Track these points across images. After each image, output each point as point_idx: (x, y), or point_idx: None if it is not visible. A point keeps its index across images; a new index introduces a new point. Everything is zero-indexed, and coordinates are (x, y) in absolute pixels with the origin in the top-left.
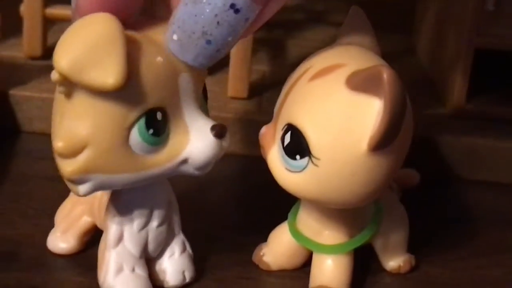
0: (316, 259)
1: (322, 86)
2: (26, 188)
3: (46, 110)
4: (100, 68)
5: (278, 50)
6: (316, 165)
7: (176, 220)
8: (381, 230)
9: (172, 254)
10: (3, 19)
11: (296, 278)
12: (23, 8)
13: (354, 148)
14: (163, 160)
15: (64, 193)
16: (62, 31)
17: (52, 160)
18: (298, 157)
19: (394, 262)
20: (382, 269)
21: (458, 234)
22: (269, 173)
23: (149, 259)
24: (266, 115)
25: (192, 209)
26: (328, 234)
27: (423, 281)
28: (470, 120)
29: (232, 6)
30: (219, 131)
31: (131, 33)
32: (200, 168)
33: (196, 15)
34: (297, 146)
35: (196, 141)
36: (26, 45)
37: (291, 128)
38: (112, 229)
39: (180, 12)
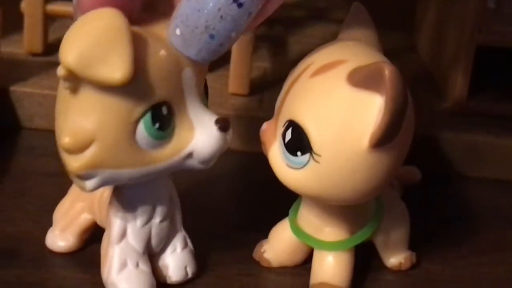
0: (317, 255)
1: (323, 82)
2: (27, 184)
3: (47, 106)
4: (107, 63)
5: (279, 47)
6: (317, 161)
7: (178, 216)
8: (382, 227)
9: (174, 250)
10: (4, 16)
11: (297, 274)
12: (24, 5)
13: (355, 144)
14: (168, 154)
15: (64, 189)
16: (63, 27)
17: (53, 156)
18: (299, 153)
19: (395, 259)
20: (383, 266)
21: (459, 231)
22: (270, 169)
23: (151, 255)
24: (267, 111)
25: (193, 206)
26: (329, 231)
27: (423, 278)
28: (471, 117)
29: (235, 0)
30: (223, 125)
31: (135, 28)
32: (205, 161)
33: (199, 10)
34: (298, 142)
35: (201, 135)
36: (27, 42)
37: (292, 124)
38: (115, 225)
39: (183, 7)
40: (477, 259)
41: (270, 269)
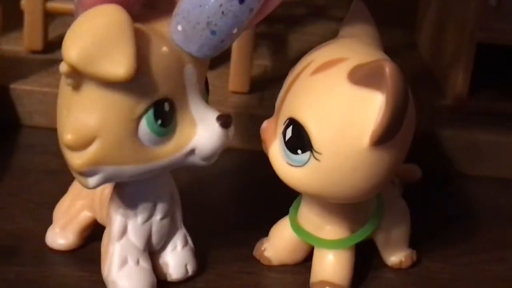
0: (317, 254)
1: (324, 80)
2: (27, 182)
3: (47, 104)
4: (110, 59)
5: (279, 45)
6: (317, 159)
7: (178, 213)
8: (382, 225)
9: (174, 248)
10: (4, 13)
11: (297, 273)
12: (24, 2)
13: (356, 142)
14: (171, 150)
15: (64, 187)
16: (63, 25)
17: (53, 154)
18: (299, 151)
19: (396, 257)
20: (383, 264)
21: (459, 229)
22: (271, 167)
23: (151, 252)
24: (267, 109)
25: (193, 204)
26: (329, 229)
27: (424, 276)
28: (471, 115)
29: None
30: (225, 121)
31: (137, 25)
32: (207, 158)
33: (200, 6)
34: (299, 140)
35: (202, 131)
36: (27, 39)
37: (292, 122)
38: (116, 222)
39: (185, 3)
40: (478, 257)
41: (271, 267)
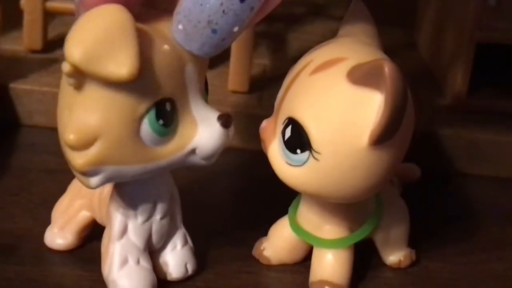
0: (317, 253)
1: (323, 80)
2: (26, 181)
3: (47, 103)
4: (113, 59)
5: (279, 44)
6: (316, 159)
7: (178, 213)
8: (381, 224)
9: (174, 247)
10: (4, 12)
11: (297, 272)
12: (23, 1)
13: (355, 142)
14: (172, 150)
15: (64, 186)
16: (62, 24)
17: (52, 153)
18: (298, 151)
19: (395, 256)
20: (382, 264)
21: (459, 229)
22: (270, 167)
23: (151, 252)
24: (266, 109)
25: (192, 203)
26: (328, 229)
27: (423, 276)
28: (471, 114)
29: None
30: (225, 121)
31: (138, 24)
32: (207, 157)
33: (201, 4)
34: (298, 140)
35: (203, 131)
36: (26, 39)
37: (292, 122)
38: (116, 221)
39: (186, 2)
40: (477, 257)
41: (270, 267)
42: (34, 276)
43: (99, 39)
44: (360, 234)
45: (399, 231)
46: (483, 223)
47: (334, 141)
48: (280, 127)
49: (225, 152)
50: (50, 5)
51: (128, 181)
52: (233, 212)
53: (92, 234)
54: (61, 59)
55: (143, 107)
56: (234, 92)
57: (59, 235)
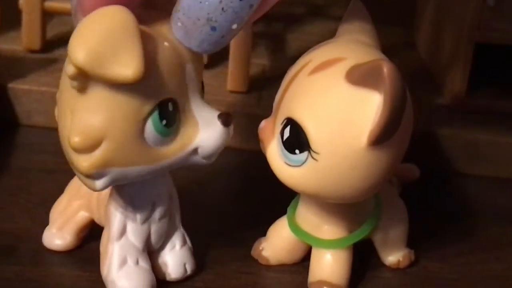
0: (315, 253)
1: (322, 80)
2: (25, 181)
3: (45, 103)
4: (118, 60)
5: (277, 44)
6: (315, 159)
7: (177, 213)
8: (380, 225)
9: (173, 247)
10: (2, 12)
11: (295, 272)
12: (22, 1)
13: (354, 142)
14: (174, 150)
15: (63, 186)
16: (61, 24)
17: (51, 153)
18: (297, 151)
19: (394, 257)
20: (381, 264)
21: (458, 229)
22: (268, 167)
23: (150, 252)
24: (265, 109)
25: (191, 204)
26: (327, 229)
27: (422, 276)
28: (469, 114)
29: None
30: (226, 119)
31: (140, 26)
32: (208, 156)
33: (201, 2)
34: (297, 140)
35: (205, 130)
36: (25, 38)
37: (290, 122)
38: (115, 222)
39: None
40: (476, 257)
41: (269, 267)
42: (33, 276)
43: (104, 40)
44: (359, 235)
45: (398, 231)
46: (482, 223)
47: (333, 142)
48: (278, 127)
49: (223, 152)
50: (48, 5)
51: (140, 179)
52: (232, 212)
53: (91, 234)
54: (60, 59)
55: (147, 108)
56: (233, 92)
57: (58, 235)
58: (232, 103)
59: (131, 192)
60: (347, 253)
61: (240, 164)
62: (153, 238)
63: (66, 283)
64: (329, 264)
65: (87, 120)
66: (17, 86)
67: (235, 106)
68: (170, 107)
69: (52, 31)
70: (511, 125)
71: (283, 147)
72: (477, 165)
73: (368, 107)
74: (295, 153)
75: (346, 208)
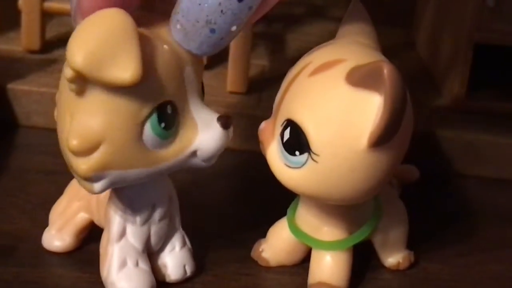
0: (315, 255)
1: (322, 81)
2: (24, 182)
3: (45, 104)
4: (117, 63)
5: (277, 45)
6: (315, 161)
7: (177, 215)
8: (380, 226)
9: (172, 249)
10: (1, 13)
11: (295, 274)
12: (21, 2)
13: (354, 144)
14: (174, 153)
15: (62, 187)
16: (60, 25)
17: (50, 154)
18: (297, 153)
19: (393, 258)
20: (381, 266)
21: (458, 230)
22: (268, 168)
23: (150, 254)
24: (265, 110)
25: (191, 205)
26: (327, 230)
27: (422, 278)
28: (469, 115)
29: None
30: (225, 122)
31: (138, 28)
32: (208, 159)
33: (200, 4)
34: (297, 142)
35: (204, 132)
36: (24, 39)
37: (290, 123)
38: (115, 223)
39: (184, 2)
40: (476, 258)
41: (268, 268)
42: (33, 277)
43: (102, 43)
44: (359, 236)
45: (398, 233)
46: (482, 224)
47: (333, 143)
48: (278, 129)
49: (223, 153)
50: (48, 5)
51: (139, 182)
52: (232, 214)
53: (90, 236)
54: (59, 59)
55: (145, 110)
56: (232, 93)
57: (57, 237)
58: (232, 104)
59: (130, 194)
60: (347, 255)
61: (240, 166)
62: (153, 239)
63: (65, 284)
64: (328, 265)
65: (86, 123)
66: (16, 87)
67: (235, 107)
68: (169, 110)
69: (52, 31)
70: (511, 126)
71: (283, 149)
72: (477, 166)
73: (368, 109)
74: (295, 155)
75: (346, 210)
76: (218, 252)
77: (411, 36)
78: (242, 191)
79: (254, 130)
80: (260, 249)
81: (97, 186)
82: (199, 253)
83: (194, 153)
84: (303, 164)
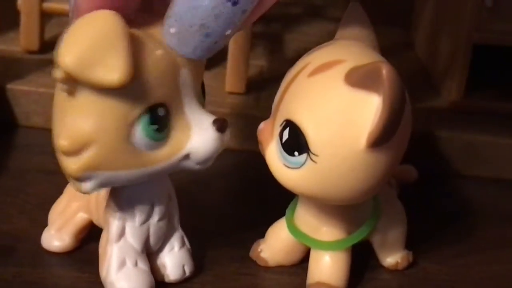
0: (314, 255)
1: (321, 82)
2: (24, 182)
3: (44, 104)
4: (105, 65)
5: (276, 45)
6: (314, 161)
7: (176, 215)
8: (379, 226)
9: (171, 249)
10: (0, 13)
11: (294, 274)
12: (20, 2)
13: (353, 144)
14: (165, 155)
15: (61, 188)
16: (59, 25)
17: (50, 154)
18: (296, 153)
19: (392, 258)
20: (379, 266)
21: (456, 230)
22: (267, 168)
23: (149, 254)
24: (264, 110)
25: (190, 205)
26: (326, 231)
27: (420, 278)
28: (468, 115)
29: None
30: (220, 125)
31: (132, 30)
32: (202, 162)
33: (193, 8)
34: (296, 142)
35: (197, 135)
36: (23, 39)
37: (289, 124)
38: (114, 224)
39: (178, 5)
40: (475, 258)
41: (267, 268)
42: (32, 277)
43: (91, 45)
44: (358, 236)
45: (397, 233)
46: (480, 224)
47: (332, 143)
48: (277, 129)
49: (222, 153)
50: (47, 6)
51: (129, 184)
52: (231, 214)
53: (90, 236)
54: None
55: (135, 112)
56: (231, 93)
57: (56, 237)
58: (230, 104)
59: (129, 194)
60: (345, 255)
61: (239, 166)
62: (152, 239)
63: (64, 284)
64: (327, 265)
65: (76, 123)
66: (15, 87)
67: (233, 107)
68: (161, 112)
69: (51, 32)
70: (510, 126)
71: (282, 149)
72: (476, 166)
73: (367, 109)
74: (294, 155)
75: (345, 210)
76: (217, 252)
77: (409, 36)
78: (241, 191)
79: (253, 131)
80: (259, 249)
81: (86, 186)
82: (198, 253)
83: (187, 156)
84: (302, 165)
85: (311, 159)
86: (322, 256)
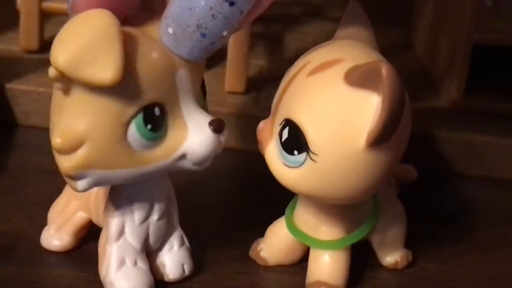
0: (313, 254)
1: (320, 81)
2: (23, 182)
3: (43, 104)
4: (97, 64)
5: (275, 45)
6: (314, 160)
7: (175, 214)
8: (378, 225)
9: (171, 248)
10: (0, 13)
11: (293, 273)
12: (20, 2)
13: (352, 143)
14: (161, 155)
15: (60, 187)
16: (58, 24)
17: (49, 154)
18: (296, 152)
19: (391, 257)
20: (379, 265)
21: (456, 229)
22: (267, 168)
23: (148, 253)
24: (263, 110)
25: (189, 204)
26: (325, 230)
27: (420, 277)
28: (467, 115)
29: None
30: (217, 126)
31: (127, 28)
32: (198, 163)
33: (191, 8)
34: (295, 141)
35: (194, 136)
36: (22, 39)
37: (289, 123)
38: (113, 223)
39: (175, 6)
40: (474, 258)
41: (267, 268)
42: (31, 277)
43: (84, 44)
44: (357, 235)
45: (396, 232)
46: (480, 224)
47: (332, 143)
48: (277, 129)
49: (222, 153)
50: (46, 5)
51: (124, 183)
52: (230, 213)
53: (89, 235)
54: None
55: (130, 111)
56: (231, 93)
57: (56, 236)
58: (230, 104)
59: (129, 193)
60: (345, 254)
61: (238, 165)
62: (151, 238)
63: (64, 283)
64: (327, 265)
65: (70, 121)
66: (14, 87)
67: (233, 106)
68: (157, 112)
69: (50, 31)
70: (509, 126)
71: (281, 148)
72: (475, 166)
73: (366, 109)
74: (293, 154)
75: (344, 209)
76: (216, 251)
77: (409, 36)
78: (240, 190)
79: (253, 130)
80: (258, 248)
81: (80, 184)
82: (197, 252)
83: (183, 156)
84: (302, 164)
85: (311, 158)
86: (322, 255)
